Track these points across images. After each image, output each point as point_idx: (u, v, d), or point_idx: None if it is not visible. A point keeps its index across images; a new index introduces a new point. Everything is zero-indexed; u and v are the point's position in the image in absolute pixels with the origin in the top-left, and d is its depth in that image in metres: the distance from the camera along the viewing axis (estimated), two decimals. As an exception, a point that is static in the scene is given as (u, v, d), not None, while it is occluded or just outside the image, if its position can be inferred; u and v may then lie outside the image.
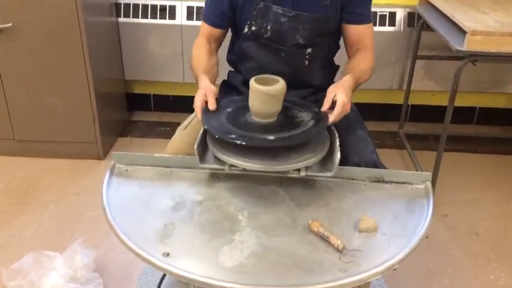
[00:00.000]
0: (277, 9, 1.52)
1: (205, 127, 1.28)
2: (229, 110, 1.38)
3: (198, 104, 1.36)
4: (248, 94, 1.32)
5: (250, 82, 1.30)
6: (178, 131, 1.58)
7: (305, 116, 1.36)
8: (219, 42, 1.68)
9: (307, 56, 1.60)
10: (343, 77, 1.47)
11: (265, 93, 1.27)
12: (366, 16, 1.61)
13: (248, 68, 1.65)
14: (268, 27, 1.55)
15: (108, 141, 2.75)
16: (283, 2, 1.53)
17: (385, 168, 1.43)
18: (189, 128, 1.58)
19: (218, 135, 1.25)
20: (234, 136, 1.23)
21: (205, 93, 1.38)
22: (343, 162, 1.41)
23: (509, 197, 2.44)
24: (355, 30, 1.61)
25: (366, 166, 1.39)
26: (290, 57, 1.59)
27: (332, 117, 1.33)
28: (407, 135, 2.89)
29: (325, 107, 1.37)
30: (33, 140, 2.61)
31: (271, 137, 1.24)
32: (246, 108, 1.37)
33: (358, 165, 1.39)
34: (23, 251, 1.86)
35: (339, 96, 1.35)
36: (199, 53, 1.58)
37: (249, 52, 1.61)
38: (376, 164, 1.42)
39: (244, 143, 1.21)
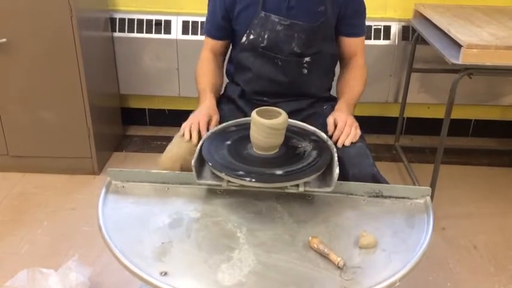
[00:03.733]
0: (275, 18, 1.54)
1: (210, 164, 1.25)
2: (228, 142, 1.36)
3: (201, 120, 1.44)
4: (244, 108, 1.31)
5: (252, 115, 1.29)
6: (176, 137, 1.57)
7: (306, 146, 1.36)
8: (224, 54, 1.72)
9: (305, 65, 1.61)
10: (340, 104, 1.57)
11: (268, 127, 1.26)
12: (360, 28, 1.66)
13: (245, 78, 1.65)
14: (265, 36, 1.56)
15: (103, 156, 2.73)
16: (278, 10, 1.55)
17: (386, 180, 1.42)
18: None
19: (225, 172, 1.22)
20: (242, 173, 1.22)
21: (209, 115, 1.45)
22: (343, 175, 1.41)
23: (507, 209, 2.44)
24: (350, 43, 1.65)
25: (366, 179, 1.38)
26: (287, 65, 1.60)
27: (342, 138, 1.44)
28: (404, 148, 2.89)
29: (330, 129, 1.46)
30: (27, 155, 2.59)
31: (279, 172, 1.24)
32: (245, 139, 1.35)
33: (359, 178, 1.38)
34: (17, 268, 1.83)
35: (338, 118, 1.46)
36: (206, 68, 1.65)
37: (245, 62, 1.62)
38: (376, 177, 1.41)
39: (254, 180, 1.20)
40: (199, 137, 1.42)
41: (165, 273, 1.04)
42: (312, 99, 1.67)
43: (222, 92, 1.76)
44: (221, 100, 1.71)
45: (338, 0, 1.57)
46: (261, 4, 1.54)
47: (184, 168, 1.46)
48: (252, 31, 1.56)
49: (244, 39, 1.58)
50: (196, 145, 1.36)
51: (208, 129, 1.45)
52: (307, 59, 1.60)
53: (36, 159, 2.59)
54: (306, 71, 1.62)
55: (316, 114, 1.64)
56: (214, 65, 1.67)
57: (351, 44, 1.66)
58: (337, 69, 1.75)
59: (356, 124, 1.48)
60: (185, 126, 1.49)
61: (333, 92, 1.77)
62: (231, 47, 1.73)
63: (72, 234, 2.18)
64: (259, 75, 1.62)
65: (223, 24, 1.64)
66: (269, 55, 1.59)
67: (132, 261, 1.07)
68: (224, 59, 1.73)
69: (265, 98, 1.61)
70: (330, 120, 1.49)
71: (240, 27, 1.60)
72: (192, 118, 1.50)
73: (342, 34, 1.65)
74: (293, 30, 1.55)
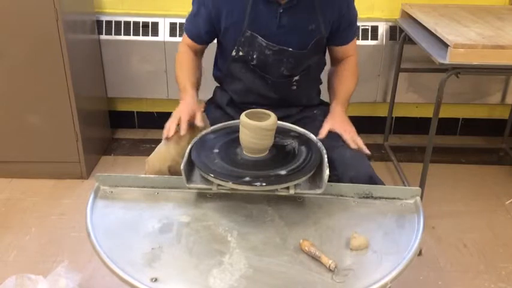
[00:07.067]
0: (262, 42, 1.51)
1: (212, 175, 1.23)
2: (216, 150, 1.34)
3: (169, 127, 1.42)
4: (234, 115, 1.31)
5: (241, 119, 1.28)
6: (165, 140, 1.56)
7: (292, 143, 1.37)
8: (201, 52, 1.70)
9: (294, 83, 1.60)
10: (335, 107, 1.58)
11: (261, 128, 1.26)
12: (352, 35, 1.64)
13: (235, 89, 1.63)
14: (255, 56, 1.54)
15: (92, 160, 2.70)
16: (268, 29, 1.51)
17: (382, 182, 1.42)
18: (176, 136, 1.56)
19: (232, 181, 1.21)
20: (249, 179, 1.20)
21: (185, 113, 1.43)
22: (339, 178, 1.41)
23: (495, 207, 2.45)
24: (342, 49, 1.65)
25: (363, 180, 1.38)
26: (277, 84, 1.59)
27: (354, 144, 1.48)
28: (393, 148, 2.90)
29: (322, 135, 1.47)
30: (14, 160, 2.55)
31: (283, 172, 1.24)
32: (231, 144, 1.35)
33: (356, 180, 1.38)
34: (5, 275, 1.80)
35: (337, 127, 1.50)
36: (186, 63, 1.62)
37: (236, 74, 1.60)
38: (374, 179, 1.41)
39: (264, 184, 1.19)
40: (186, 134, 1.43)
41: (156, 279, 1.03)
42: (301, 107, 1.67)
43: (211, 97, 1.75)
44: (209, 107, 1.70)
45: (330, 17, 1.54)
46: (247, 23, 1.50)
47: (173, 169, 1.45)
48: (240, 48, 1.54)
49: (234, 53, 1.56)
50: (181, 139, 1.42)
51: (193, 123, 1.46)
52: (296, 77, 1.59)
53: (23, 164, 2.56)
54: (295, 87, 1.61)
55: (306, 119, 1.64)
56: (194, 60, 1.65)
57: (343, 50, 1.65)
58: (327, 67, 1.75)
59: (354, 130, 1.53)
60: (168, 124, 1.46)
61: (323, 93, 1.77)
62: (216, 52, 1.71)
63: (61, 239, 2.15)
64: (250, 89, 1.61)
65: (205, 37, 1.63)
66: (259, 73, 1.57)
67: (122, 268, 1.06)
68: (202, 54, 1.71)
69: (253, 106, 1.60)
70: (325, 128, 1.50)
71: (227, 42, 1.57)
72: (173, 116, 1.48)
73: (335, 44, 1.64)
74: (282, 55, 1.53)
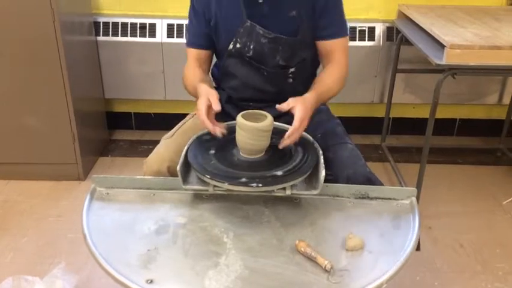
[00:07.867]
0: (259, 30, 1.52)
1: (208, 176, 1.22)
2: (212, 151, 1.34)
3: (201, 107, 1.33)
4: (232, 113, 1.30)
5: (238, 120, 1.27)
6: (163, 140, 1.56)
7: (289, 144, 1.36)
8: (208, 62, 1.67)
9: (290, 75, 1.60)
10: (306, 93, 1.44)
11: (258, 129, 1.26)
12: (335, 30, 1.57)
13: (231, 86, 1.64)
14: (251, 47, 1.54)
15: (89, 162, 2.70)
16: (262, 23, 1.52)
17: (380, 181, 1.42)
18: (176, 135, 1.57)
19: (228, 182, 1.21)
20: (245, 180, 1.20)
21: (208, 97, 1.36)
22: (336, 177, 1.41)
23: (492, 207, 2.46)
24: (324, 45, 1.59)
25: (361, 180, 1.38)
26: (273, 76, 1.59)
27: (288, 139, 1.30)
28: (390, 148, 2.91)
29: (281, 106, 1.33)
30: (11, 162, 2.55)
31: (279, 173, 1.24)
32: (228, 145, 1.35)
33: (353, 179, 1.38)
34: (1, 277, 1.81)
35: (297, 110, 1.30)
36: (192, 72, 1.59)
37: (232, 70, 1.61)
38: (369, 177, 1.42)
39: (261, 185, 1.19)
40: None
41: (151, 281, 1.03)
42: None
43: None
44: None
45: (306, 4, 1.52)
46: (245, 13, 1.51)
47: (172, 170, 1.45)
48: (238, 39, 1.54)
49: (231, 46, 1.56)
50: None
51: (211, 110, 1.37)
52: (292, 69, 1.59)
53: (21, 166, 2.56)
54: (291, 80, 1.61)
55: None
56: (201, 71, 1.61)
57: (326, 46, 1.58)
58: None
59: (305, 127, 1.35)
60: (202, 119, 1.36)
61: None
62: (216, 56, 1.71)
63: (58, 241, 2.15)
64: (246, 83, 1.61)
65: (207, 32, 1.61)
66: (255, 65, 1.58)
67: (118, 269, 1.05)
68: (209, 67, 1.69)
69: (251, 103, 1.60)
70: (289, 102, 1.34)
71: (224, 34, 1.58)
72: (198, 109, 1.37)
73: (317, 37, 1.58)
74: (277, 44, 1.54)
